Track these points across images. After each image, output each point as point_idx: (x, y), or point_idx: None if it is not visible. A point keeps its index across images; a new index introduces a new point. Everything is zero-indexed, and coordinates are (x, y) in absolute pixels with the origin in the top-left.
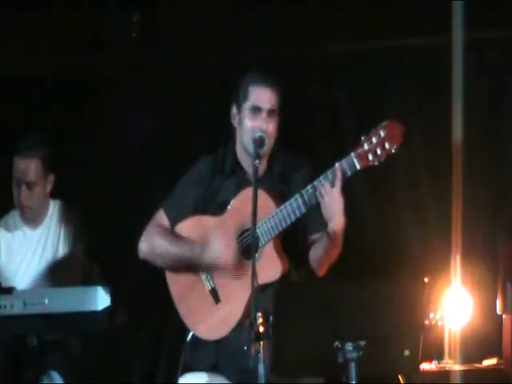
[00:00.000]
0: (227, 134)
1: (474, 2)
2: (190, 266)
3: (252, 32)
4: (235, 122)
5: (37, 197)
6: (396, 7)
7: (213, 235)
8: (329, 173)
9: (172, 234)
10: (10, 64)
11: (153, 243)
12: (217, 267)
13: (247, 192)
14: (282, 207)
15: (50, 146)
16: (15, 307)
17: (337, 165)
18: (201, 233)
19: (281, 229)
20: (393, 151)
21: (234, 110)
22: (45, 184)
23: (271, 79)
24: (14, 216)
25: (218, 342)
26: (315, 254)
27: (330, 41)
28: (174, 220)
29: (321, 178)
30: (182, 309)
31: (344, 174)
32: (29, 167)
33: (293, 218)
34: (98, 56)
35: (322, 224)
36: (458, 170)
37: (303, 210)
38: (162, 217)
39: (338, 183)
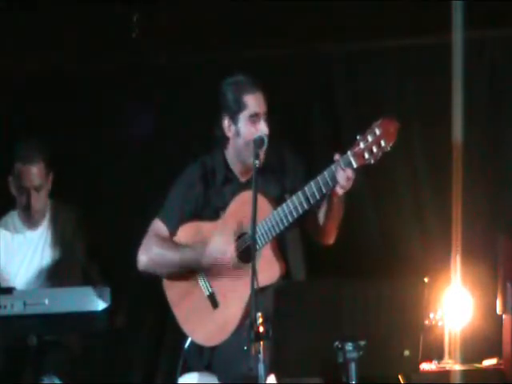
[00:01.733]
0: (210, 144)
1: (474, 1)
2: (191, 270)
3: (252, 32)
4: (229, 133)
5: (44, 197)
6: (396, 7)
7: (212, 236)
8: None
9: (169, 241)
10: (10, 64)
11: (151, 253)
12: (217, 267)
13: (244, 196)
14: (279, 209)
15: (48, 146)
16: (15, 307)
17: (325, 172)
18: (199, 238)
19: (278, 231)
20: (388, 149)
21: (227, 121)
22: (48, 184)
23: (259, 83)
24: (13, 217)
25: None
26: (320, 222)
27: (330, 41)
28: (173, 227)
29: (341, 162)
30: (180, 315)
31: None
32: (34, 172)
33: (290, 220)
34: (98, 56)
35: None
36: (458, 170)
37: (300, 210)
38: (159, 226)
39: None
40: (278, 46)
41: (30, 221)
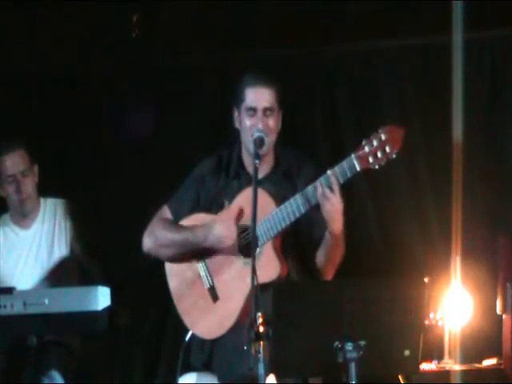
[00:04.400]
0: (228, 135)
1: (474, 2)
2: (194, 252)
3: (252, 32)
4: (237, 124)
5: (33, 184)
6: (396, 7)
7: (215, 219)
8: (324, 178)
9: (173, 223)
10: (10, 64)
11: (155, 235)
12: (219, 249)
13: (248, 192)
14: (282, 207)
15: (26, 137)
16: (15, 307)
17: (329, 172)
18: None
19: (280, 229)
20: (393, 156)
21: (236, 113)
22: (34, 175)
23: (265, 79)
24: (5, 220)
25: (213, 341)
26: (320, 257)
27: (329, 41)
28: (177, 216)
29: (321, 179)
30: (181, 307)
31: (344, 174)
32: (17, 158)
33: (292, 219)
34: (98, 56)
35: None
36: (458, 170)
37: (303, 210)
38: (165, 212)
39: (336, 189)
40: (278, 45)
41: (23, 219)
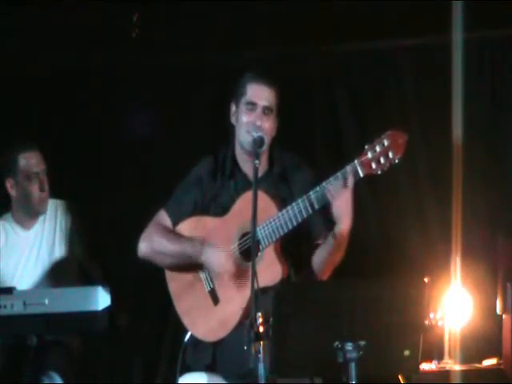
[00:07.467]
0: (227, 134)
1: (474, 2)
2: (190, 264)
3: (252, 32)
4: (234, 120)
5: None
6: (396, 7)
7: (212, 240)
8: (339, 174)
9: (171, 232)
10: (10, 64)
11: (152, 241)
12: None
13: (249, 194)
14: (284, 211)
15: (26, 137)
16: (15, 307)
17: (349, 167)
18: (202, 233)
19: (282, 233)
20: (396, 161)
21: (233, 108)
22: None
23: (268, 78)
24: (7, 219)
25: (215, 342)
26: (318, 258)
27: (329, 41)
28: (176, 220)
29: (331, 179)
30: (181, 308)
31: None
32: (37, 158)
33: (294, 223)
34: (98, 56)
35: (326, 228)
36: (458, 171)
37: (304, 214)
38: (163, 216)
39: (351, 184)
40: (278, 46)
41: (26, 219)
